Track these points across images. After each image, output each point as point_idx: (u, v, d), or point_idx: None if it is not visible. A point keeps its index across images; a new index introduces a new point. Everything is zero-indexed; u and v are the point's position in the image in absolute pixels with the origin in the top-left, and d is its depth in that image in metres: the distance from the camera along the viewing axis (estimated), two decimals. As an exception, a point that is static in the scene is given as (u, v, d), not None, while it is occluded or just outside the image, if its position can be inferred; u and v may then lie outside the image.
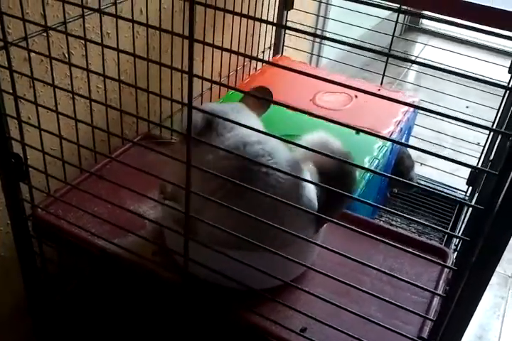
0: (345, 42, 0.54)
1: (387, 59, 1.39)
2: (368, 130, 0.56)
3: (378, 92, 0.53)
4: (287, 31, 1.56)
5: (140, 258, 0.77)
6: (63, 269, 1.01)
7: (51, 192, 0.89)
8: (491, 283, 1.63)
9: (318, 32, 1.86)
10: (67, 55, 0.93)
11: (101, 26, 0.92)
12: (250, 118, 0.81)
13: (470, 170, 1.43)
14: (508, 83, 1.21)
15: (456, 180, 1.59)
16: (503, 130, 0.50)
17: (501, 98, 1.26)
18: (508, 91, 1.19)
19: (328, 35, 1.92)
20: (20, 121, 0.77)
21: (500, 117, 1.25)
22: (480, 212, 0.50)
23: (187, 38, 0.52)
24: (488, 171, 0.47)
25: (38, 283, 0.94)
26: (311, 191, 0.75)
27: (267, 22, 0.55)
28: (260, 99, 0.81)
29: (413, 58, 2.48)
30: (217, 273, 0.69)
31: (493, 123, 1.27)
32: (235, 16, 1.31)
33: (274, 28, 1.53)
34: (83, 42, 0.96)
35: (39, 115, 0.84)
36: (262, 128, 0.80)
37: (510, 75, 1.22)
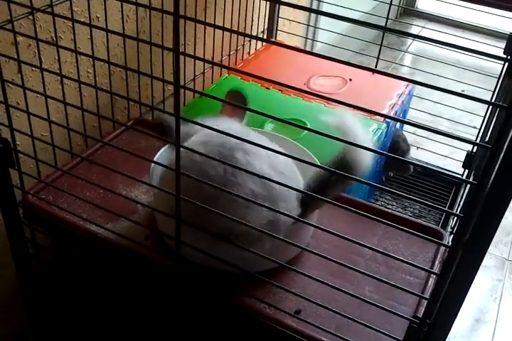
0: (343, 16, 0.52)
1: (382, 41, 1.38)
2: (363, 113, 0.55)
3: (371, 76, 0.52)
4: (281, 15, 1.54)
5: (132, 242, 0.77)
6: (57, 257, 1.01)
7: (42, 178, 0.88)
8: (488, 265, 1.63)
9: (312, 16, 1.84)
10: (55, 39, 0.92)
11: (89, 9, 0.91)
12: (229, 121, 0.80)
13: (466, 153, 1.43)
14: (504, 63, 1.20)
15: (452, 163, 1.59)
16: (500, 103, 0.48)
17: (497, 79, 1.25)
18: (504, 68, 1.18)
19: (322, 19, 1.90)
20: (7, 106, 0.75)
21: (496, 98, 1.24)
22: (474, 189, 0.49)
23: (171, 14, 0.51)
24: (481, 145, 0.46)
25: (31, 271, 0.93)
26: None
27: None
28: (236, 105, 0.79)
29: (409, 41, 2.47)
30: (209, 256, 0.68)
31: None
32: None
33: (268, 12, 1.51)
34: (71, 25, 0.94)
35: (28, 100, 0.82)
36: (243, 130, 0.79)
37: (505, 56, 1.21)
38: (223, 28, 0.54)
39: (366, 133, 0.68)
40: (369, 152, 0.69)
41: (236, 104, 0.76)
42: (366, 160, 0.69)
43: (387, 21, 1.37)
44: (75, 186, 0.87)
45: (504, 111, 0.44)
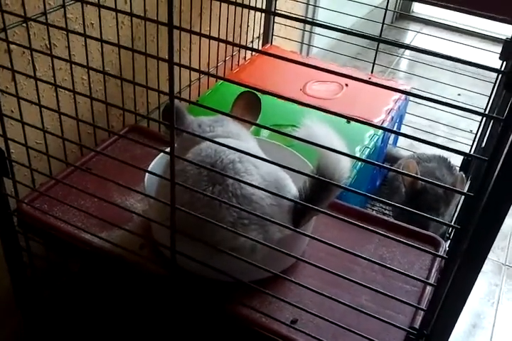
0: (335, 28, 0.52)
1: (378, 47, 1.37)
2: (359, 119, 0.55)
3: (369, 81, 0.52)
4: (277, 20, 1.54)
5: (127, 251, 0.76)
6: (52, 264, 1.00)
7: (36, 187, 0.87)
8: (485, 270, 1.62)
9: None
10: (49, 46, 0.91)
11: (83, 16, 0.91)
12: (234, 127, 0.79)
13: (462, 157, 1.42)
14: (500, 68, 1.20)
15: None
16: (494, 115, 0.48)
17: (493, 85, 1.25)
18: (499, 76, 1.18)
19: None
20: (1, 114, 0.75)
21: (492, 103, 1.23)
22: (470, 199, 0.49)
23: (166, 24, 0.51)
24: (478, 157, 0.46)
25: (25, 279, 0.92)
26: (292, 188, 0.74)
27: (255, 8, 0.54)
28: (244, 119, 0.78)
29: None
30: (204, 265, 0.67)
31: (485, 109, 1.25)
32: (222, 6, 1.29)
33: (263, 17, 1.51)
34: (66, 33, 0.94)
35: (22, 108, 0.82)
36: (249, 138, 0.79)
37: (501, 62, 1.21)
38: (217, 39, 0.54)
39: (339, 140, 0.68)
40: (346, 158, 0.69)
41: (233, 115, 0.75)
42: (344, 166, 0.69)
43: (382, 27, 1.37)
44: (69, 194, 0.86)
45: (500, 123, 0.43)
